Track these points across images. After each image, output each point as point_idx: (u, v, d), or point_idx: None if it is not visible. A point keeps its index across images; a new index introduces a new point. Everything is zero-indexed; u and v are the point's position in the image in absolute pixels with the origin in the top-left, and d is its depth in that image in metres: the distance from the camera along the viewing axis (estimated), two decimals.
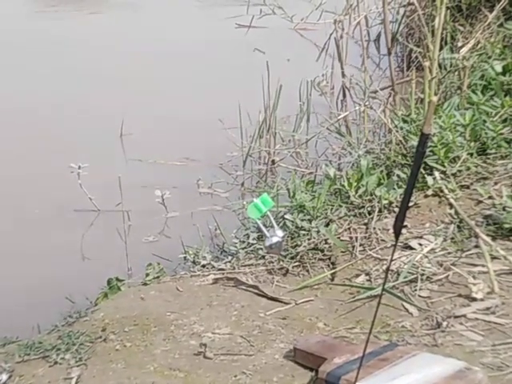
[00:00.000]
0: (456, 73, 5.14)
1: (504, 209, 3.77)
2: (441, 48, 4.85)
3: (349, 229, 3.83)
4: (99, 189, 4.79)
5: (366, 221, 3.86)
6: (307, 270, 3.59)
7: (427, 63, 4.45)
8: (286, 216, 3.80)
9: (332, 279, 3.52)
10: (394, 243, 3.35)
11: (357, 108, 5.51)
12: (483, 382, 2.62)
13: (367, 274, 3.50)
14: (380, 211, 3.90)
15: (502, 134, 4.34)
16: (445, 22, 5.16)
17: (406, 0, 7.23)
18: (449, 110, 4.46)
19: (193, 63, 7.48)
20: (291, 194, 3.96)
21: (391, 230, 3.60)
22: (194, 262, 3.74)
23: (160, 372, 2.89)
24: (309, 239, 3.69)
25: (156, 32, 8.60)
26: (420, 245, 3.65)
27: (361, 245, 3.71)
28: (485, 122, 4.39)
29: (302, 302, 3.34)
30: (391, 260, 2.64)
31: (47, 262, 4.22)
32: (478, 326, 3.08)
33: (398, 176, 4.10)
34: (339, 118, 5.35)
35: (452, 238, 3.67)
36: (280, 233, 3.11)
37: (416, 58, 6.41)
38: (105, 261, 4.21)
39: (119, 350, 3.03)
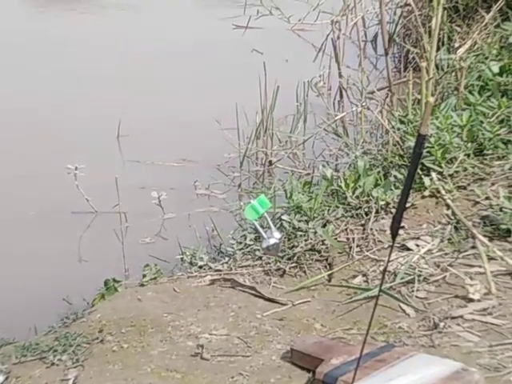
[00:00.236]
0: (453, 73, 5.15)
1: (501, 209, 3.77)
2: (438, 49, 4.86)
3: (346, 230, 3.83)
4: (96, 190, 4.79)
5: (363, 222, 3.87)
6: (304, 271, 3.59)
7: (424, 64, 4.45)
8: (283, 217, 3.80)
9: (329, 280, 3.52)
10: (390, 244, 3.37)
11: (354, 109, 5.52)
12: (480, 383, 2.63)
13: (364, 275, 3.50)
14: (377, 212, 3.90)
15: (498, 134, 4.34)
16: (442, 23, 5.17)
17: (403, 1, 7.24)
18: (446, 111, 4.46)
19: (190, 64, 7.48)
20: (288, 195, 3.96)
21: (388, 231, 3.60)
22: (190, 263, 3.74)
23: (157, 373, 2.89)
24: (306, 240, 3.69)
25: (153, 32, 8.61)
26: (417, 246, 3.65)
27: (358, 246, 3.71)
28: (482, 122, 4.39)
29: (299, 303, 3.34)
30: (388, 261, 2.63)
31: (44, 263, 4.22)
32: (475, 326, 3.08)
33: (395, 177, 4.10)
34: (336, 118, 5.35)
35: (449, 239, 3.67)
36: (277, 234, 3.10)
37: (413, 58, 6.41)
38: (102, 262, 4.21)
39: (116, 351, 3.03)
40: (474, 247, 3.57)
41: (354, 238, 3.75)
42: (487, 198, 3.93)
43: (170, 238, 4.30)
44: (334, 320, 3.21)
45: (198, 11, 9.92)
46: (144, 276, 3.65)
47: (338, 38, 6.74)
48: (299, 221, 3.76)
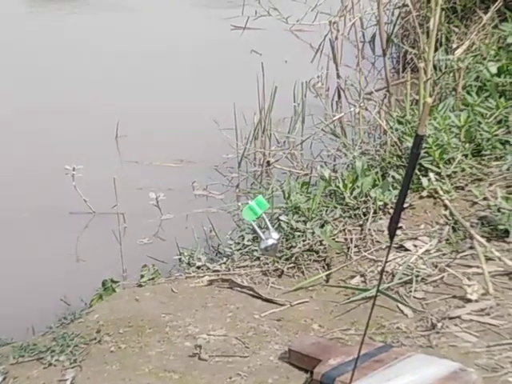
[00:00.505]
0: (451, 74, 5.14)
1: (499, 210, 3.77)
2: (436, 49, 4.85)
3: (344, 230, 3.83)
4: (94, 190, 4.78)
5: (360, 222, 3.87)
6: (302, 272, 3.59)
7: (422, 64, 4.46)
8: (281, 217, 3.80)
9: (327, 281, 3.52)
10: (388, 244, 3.36)
11: (352, 109, 5.51)
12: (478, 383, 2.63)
13: (362, 276, 3.50)
14: (375, 212, 3.90)
15: (496, 135, 4.34)
16: (440, 24, 5.16)
17: (401, 1, 7.24)
18: (444, 112, 4.46)
19: (189, 64, 7.48)
20: (286, 196, 3.96)
21: (386, 232, 3.59)
22: (188, 264, 3.74)
23: (155, 373, 2.89)
24: (304, 240, 3.69)
25: (152, 33, 8.61)
26: (415, 246, 3.65)
27: (356, 246, 3.71)
28: (480, 123, 4.39)
29: (297, 304, 3.34)
30: (386, 261, 2.63)
31: (42, 263, 4.21)
32: (473, 327, 3.08)
33: (393, 177, 4.10)
34: (334, 119, 5.34)
35: (447, 240, 3.67)
36: (275, 235, 3.11)
37: (411, 59, 6.41)
38: (100, 262, 4.21)
39: (114, 351, 3.03)
40: (471, 248, 3.57)
41: (351, 239, 3.75)
42: (485, 199, 3.93)
43: (168, 238, 4.29)
44: (332, 320, 3.21)
45: (197, 12, 9.92)
46: (142, 276, 3.65)
47: (336, 38, 6.75)
48: (297, 221, 3.77)
